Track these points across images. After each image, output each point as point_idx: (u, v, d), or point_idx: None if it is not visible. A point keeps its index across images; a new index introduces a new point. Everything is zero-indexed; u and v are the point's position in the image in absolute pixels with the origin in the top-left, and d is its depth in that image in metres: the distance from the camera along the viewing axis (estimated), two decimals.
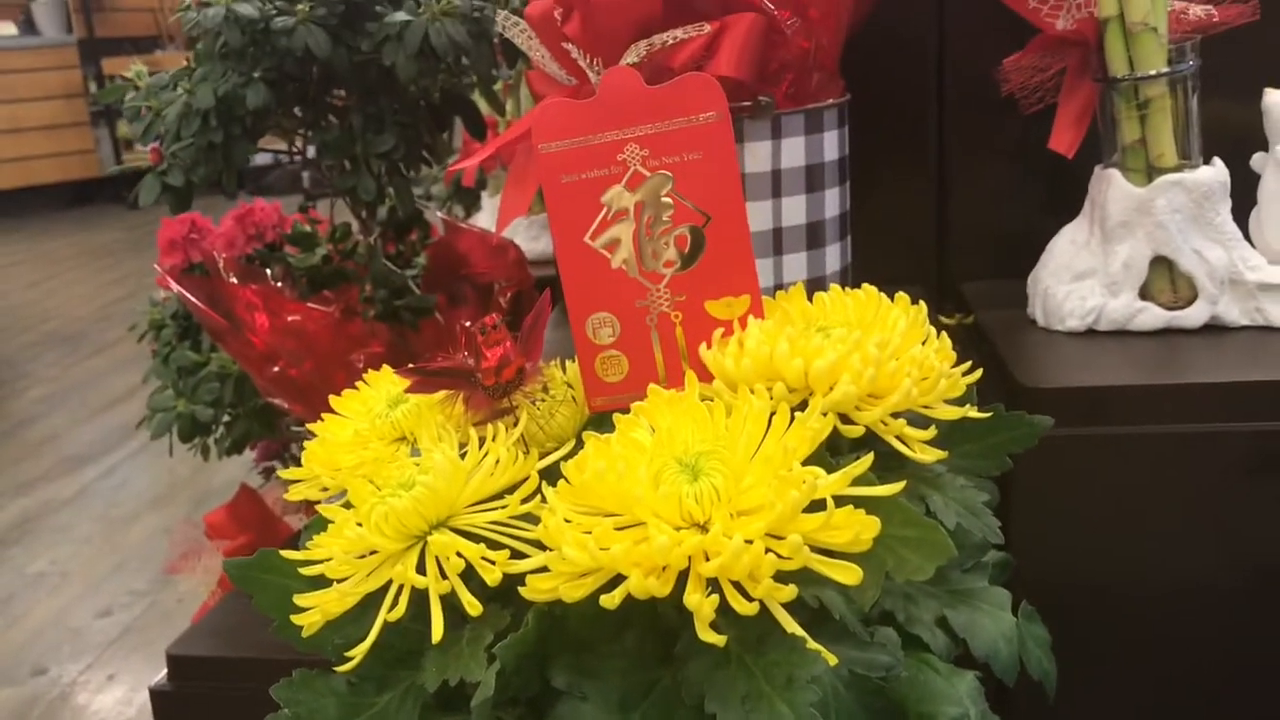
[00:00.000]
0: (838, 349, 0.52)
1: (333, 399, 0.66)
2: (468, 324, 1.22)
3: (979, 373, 0.57)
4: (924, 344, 0.56)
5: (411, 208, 1.17)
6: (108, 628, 1.93)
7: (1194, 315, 0.88)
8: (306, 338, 1.16)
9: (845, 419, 0.52)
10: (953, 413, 0.54)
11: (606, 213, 0.57)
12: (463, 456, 0.53)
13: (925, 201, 1.11)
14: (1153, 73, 0.86)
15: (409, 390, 0.57)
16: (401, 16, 1.02)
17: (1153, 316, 0.89)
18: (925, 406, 0.54)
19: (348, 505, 0.54)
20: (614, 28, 0.78)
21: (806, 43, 0.82)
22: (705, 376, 0.57)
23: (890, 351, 0.53)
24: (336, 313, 1.20)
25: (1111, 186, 0.88)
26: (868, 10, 0.93)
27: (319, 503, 0.60)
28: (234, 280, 1.25)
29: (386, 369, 0.66)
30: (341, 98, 1.16)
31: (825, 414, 0.50)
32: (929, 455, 0.53)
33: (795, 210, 0.85)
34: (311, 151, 1.17)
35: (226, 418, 1.45)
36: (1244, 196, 0.91)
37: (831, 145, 0.86)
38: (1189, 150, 0.88)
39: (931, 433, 0.53)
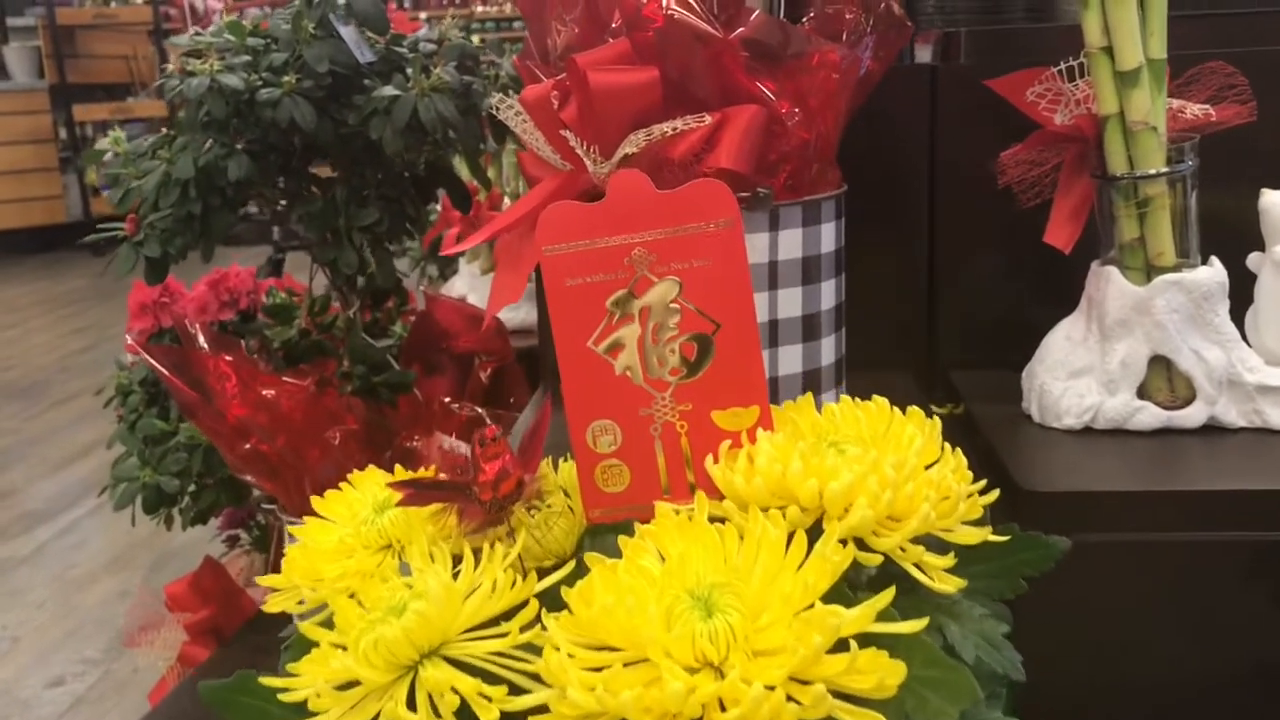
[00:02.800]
0: (854, 469, 0.50)
1: (315, 501, 0.63)
2: (448, 401, 1.19)
3: (995, 494, 0.55)
4: (939, 463, 0.54)
5: (393, 280, 1.15)
6: (58, 698, 1.86)
7: (1192, 416, 0.87)
8: (280, 412, 1.13)
9: (860, 543, 0.50)
10: (973, 536, 0.52)
11: (611, 318, 0.55)
12: (456, 575, 0.50)
13: (915, 288, 1.10)
14: (1152, 171, 0.85)
15: (401, 504, 0.54)
16: (390, 91, 1.00)
17: (1151, 416, 0.87)
18: (944, 530, 0.52)
19: (329, 624, 0.51)
20: (612, 116, 0.76)
21: (807, 134, 0.81)
22: (710, 490, 0.55)
23: (907, 472, 0.51)
24: (312, 387, 1.17)
25: (1110, 284, 0.87)
26: (862, 100, 0.92)
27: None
28: (206, 349, 1.22)
29: (373, 470, 0.63)
30: (324, 165, 1.14)
31: (843, 542, 0.48)
32: (949, 585, 0.50)
33: (791, 302, 0.83)
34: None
35: (193, 488, 1.41)
36: (1238, 294, 0.90)
37: (829, 236, 0.85)
38: (1187, 248, 0.87)
39: (951, 560, 0.51)
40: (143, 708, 1.54)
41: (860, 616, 0.44)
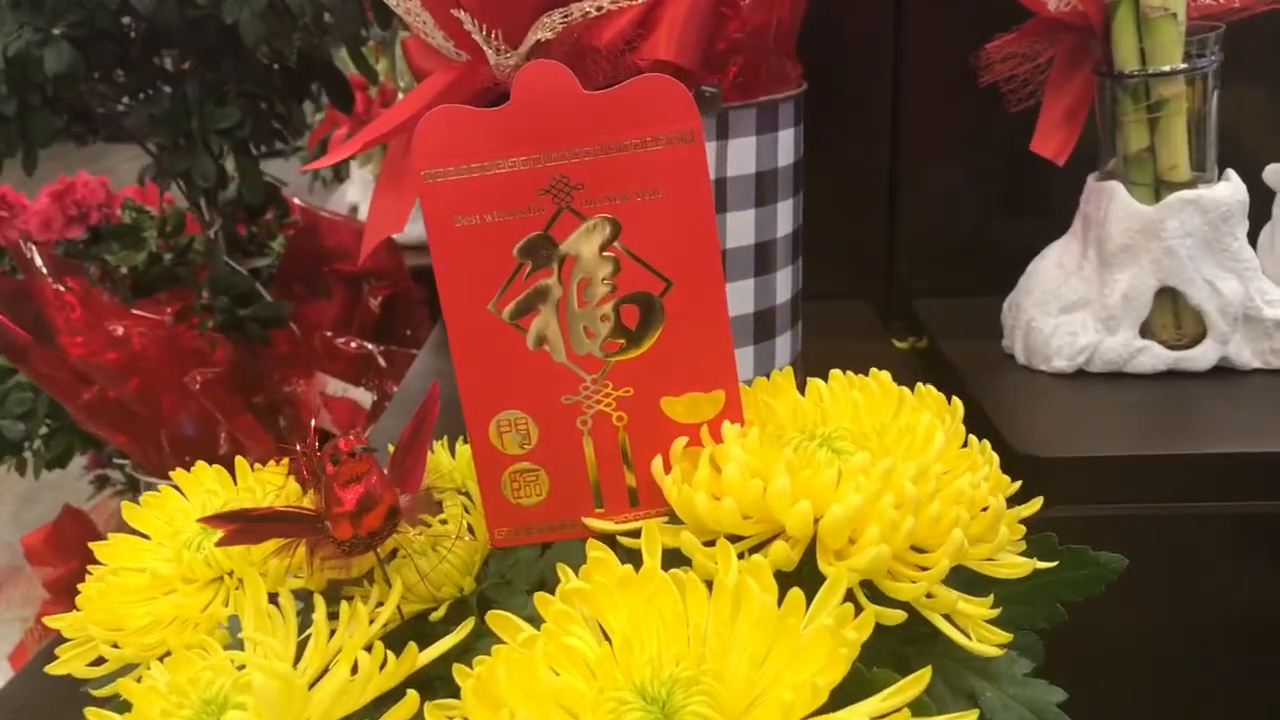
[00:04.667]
0: (861, 486, 0.36)
1: (127, 510, 0.47)
2: (331, 336, 1.02)
3: (1038, 503, 0.41)
4: (967, 464, 0.40)
5: (260, 194, 0.97)
6: None
7: (1202, 356, 0.75)
8: (131, 351, 0.95)
9: (869, 586, 0.36)
10: (1018, 568, 0.39)
11: (521, 272, 0.39)
12: (302, 645, 0.35)
13: (873, 203, 0.96)
14: (1168, 69, 0.71)
15: (222, 542, 0.38)
16: None
17: (1154, 358, 0.75)
18: (982, 561, 0.38)
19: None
20: None
21: (765, 17, 0.65)
22: (655, 501, 0.40)
23: (931, 486, 0.37)
24: (169, 320, 1.00)
25: (1113, 203, 0.74)
26: None
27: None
28: (46, 274, 1.03)
29: (203, 466, 0.47)
30: (172, 59, 0.95)
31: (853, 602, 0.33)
32: (992, 640, 0.37)
33: (743, 228, 0.68)
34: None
35: (44, 430, 1.23)
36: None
37: (786, 147, 0.70)
38: (1204, 161, 0.74)
39: (991, 609, 0.37)
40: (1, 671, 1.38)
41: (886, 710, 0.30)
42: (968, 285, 0.92)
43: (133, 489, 1.39)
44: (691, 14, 0.60)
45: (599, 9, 0.60)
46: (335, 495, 0.35)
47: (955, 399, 0.42)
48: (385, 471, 0.37)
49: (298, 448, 0.42)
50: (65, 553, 1.32)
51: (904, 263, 0.96)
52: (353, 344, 1.01)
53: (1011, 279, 0.82)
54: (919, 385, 0.43)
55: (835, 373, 0.43)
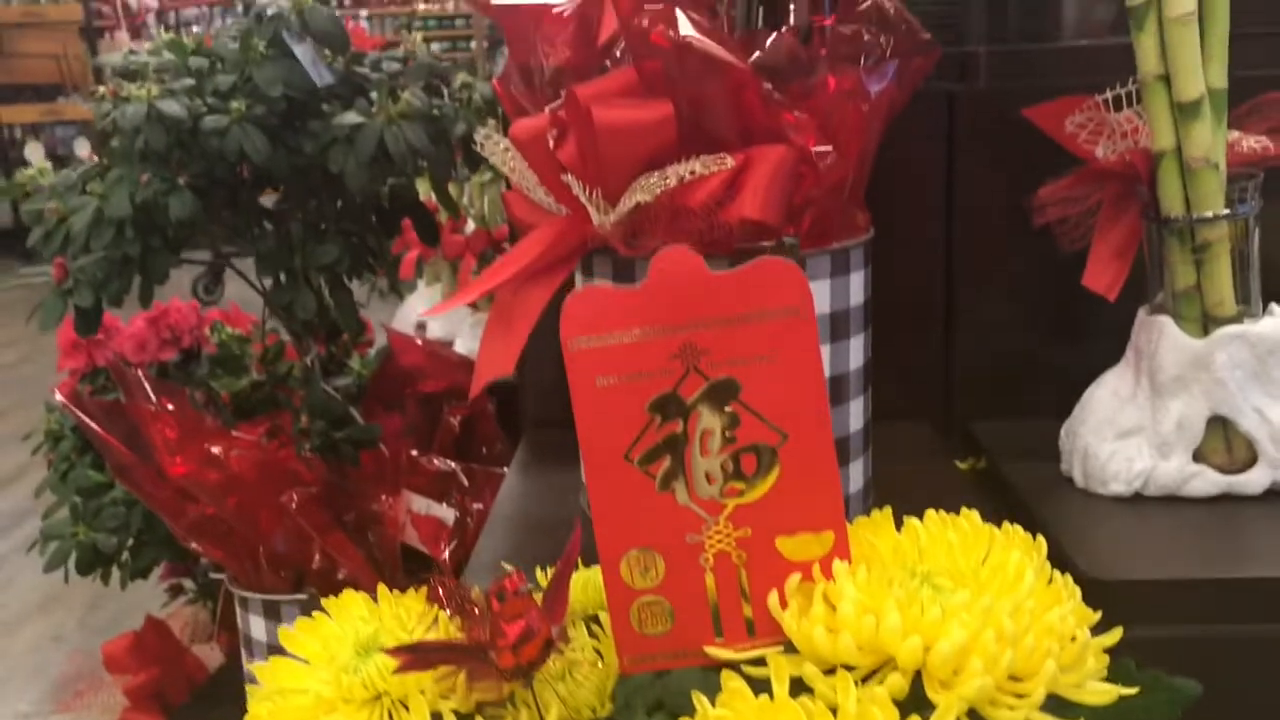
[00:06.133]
0: (964, 622, 0.40)
1: (283, 634, 0.52)
2: (415, 455, 1.07)
3: (1118, 633, 0.46)
4: (1052, 598, 0.44)
5: (355, 324, 1.04)
6: None
7: (1254, 481, 0.79)
8: (230, 471, 1.01)
9: (972, 713, 0.41)
10: (1104, 694, 0.43)
11: (652, 424, 0.45)
12: None
13: (931, 331, 1.01)
14: (1211, 215, 0.77)
15: (399, 671, 0.43)
16: (353, 118, 0.89)
17: (1208, 482, 0.79)
18: (1071, 687, 0.42)
19: None
20: (620, 157, 0.66)
21: (840, 175, 0.71)
22: (771, 631, 0.45)
23: (1026, 621, 0.41)
24: (264, 440, 1.06)
25: (1164, 337, 0.79)
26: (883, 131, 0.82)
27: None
28: (145, 395, 1.10)
29: (351, 595, 0.52)
30: (274, 192, 1.02)
31: None
32: None
33: None
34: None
35: (131, 542, 1.28)
36: None
37: (858, 287, 0.75)
38: (1248, 295, 0.79)
39: None
40: None
41: None
42: (1021, 407, 0.97)
43: (206, 597, 1.44)
44: (774, 177, 0.66)
45: (692, 173, 0.66)
46: (499, 629, 0.40)
47: (1040, 537, 0.47)
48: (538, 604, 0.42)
49: (436, 581, 0.47)
50: (146, 661, 1.37)
51: (960, 387, 1.01)
52: (435, 461, 1.06)
53: (1063, 401, 0.87)
54: (1005, 524, 0.47)
55: (930, 512, 0.48)
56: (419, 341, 1.21)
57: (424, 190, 1.24)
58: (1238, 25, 0.78)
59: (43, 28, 6.31)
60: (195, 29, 6.10)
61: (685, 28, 0.67)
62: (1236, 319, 0.78)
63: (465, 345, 1.41)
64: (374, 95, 0.92)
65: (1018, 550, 0.45)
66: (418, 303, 1.77)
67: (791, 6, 0.80)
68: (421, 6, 9.18)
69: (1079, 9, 1.06)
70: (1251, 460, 0.79)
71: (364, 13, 9.17)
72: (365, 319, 1.32)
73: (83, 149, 5.39)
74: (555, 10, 0.79)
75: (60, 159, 6.00)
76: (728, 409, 0.45)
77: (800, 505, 0.45)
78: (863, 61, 0.75)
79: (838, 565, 0.45)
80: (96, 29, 6.18)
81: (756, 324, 0.44)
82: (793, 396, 0.44)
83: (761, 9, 0.80)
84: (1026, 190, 0.86)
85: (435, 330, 1.64)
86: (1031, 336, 0.99)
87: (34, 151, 4.61)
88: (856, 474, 0.78)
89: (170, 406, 1.08)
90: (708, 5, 0.76)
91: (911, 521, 0.48)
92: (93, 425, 1.03)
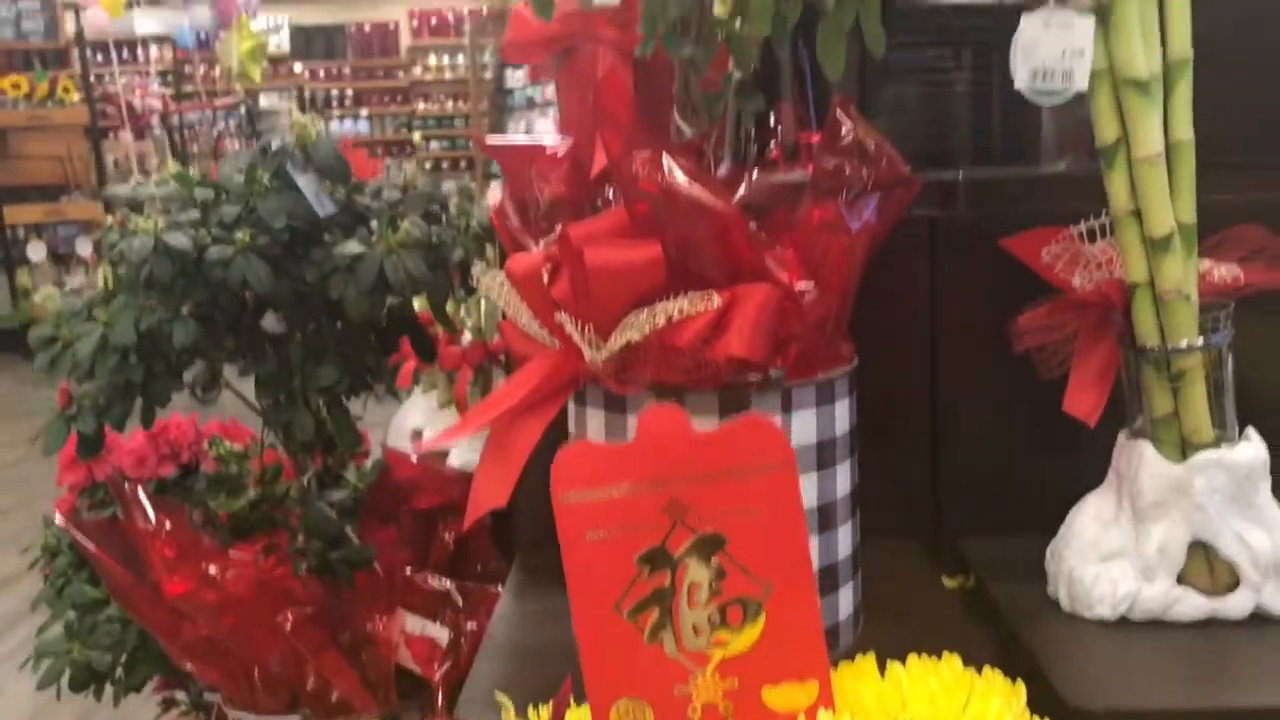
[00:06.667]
0: None
1: None
2: (410, 574, 1.08)
3: None
4: None
5: (353, 441, 1.05)
6: None
7: (1237, 605, 0.80)
8: (227, 591, 1.02)
9: None
10: None
11: (640, 577, 0.46)
12: None
13: (918, 450, 1.03)
14: (1185, 345, 0.79)
15: None
16: (354, 248, 0.92)
17: (1192, 606, 0.80)
18: None
19: None
20: (611, 296, 0.69)
21: (823, 310, 0.73)
22: None
23: None
24: (260, 559, 1.07)
25: (1143, 462, 0.81)
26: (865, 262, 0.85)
27: None
28: (142, 515, 1.11)
29: None
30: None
31: None
32: None
33: (805, 492, 0.74)
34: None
35: (125, 657, 1.28)
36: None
37: (843, 415, 0.77)
38: (1224, 421, 0.81)
39: None
40: None
41: None
42: (1009, 522, 0.98)
43: (199, 709, 1.43)
44: (760, 315, 0.69)
45: (680, 310, 0.68)
46: None
47: (1020, 685, 0.48)
48: None
49: None
50: None
51: (947, 505, 1.02)
52: (430, 580, 1.07)
53: (1051, 515, 0.88)
54: (986, 669, 0.49)
55: (912, 658, 0.49)
56: (413, 458, 1.22)
57: (420, 304, 1.27)
58: (1205, 156, 0.81)
59: (48, 130, 6.43)
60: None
61: (673, 173, 0.70)
62: (1214, 444, 0.80)
63: (460, 457, 1.43)
64: (374, 224, 0.95)
65: (998, 697, 0.47)
66: (413, 408, 1.78)
67: (778, 128, 0.84)
68: (421, 106, 9.37)
69: (1058, 136, 1.10)
70: (1234, 583, 0.80)
71: (364, 111, 9.36)
72: (362, 431, 1.34)
73: (84, 248, 5.45)
74: (549, 151, 0.83)
75: (62, 258, 6.08)
76: (714, 561, 0.46)
77: (785, 654, 0.46)
78: (844, 195, 0.79)
79: (822, 715, 0.46)
80: (101, 129, 6.29)
81: (740, 480, 0.46)
82: (776, 548, 0.46)
83: (750, 137, 0.84)
84: (1009, 309, 0.88)
85: (430, 434, 1.65)
86: (1018, 452, 1.01)
87: (36, 251, 4.66)
88: (846, 600, 0.79)
89: (169, 525, 1.09)
90: (695, 147, 0.80)
91: (895, 668, 0.49)
92: (90, 546, 1.04)
